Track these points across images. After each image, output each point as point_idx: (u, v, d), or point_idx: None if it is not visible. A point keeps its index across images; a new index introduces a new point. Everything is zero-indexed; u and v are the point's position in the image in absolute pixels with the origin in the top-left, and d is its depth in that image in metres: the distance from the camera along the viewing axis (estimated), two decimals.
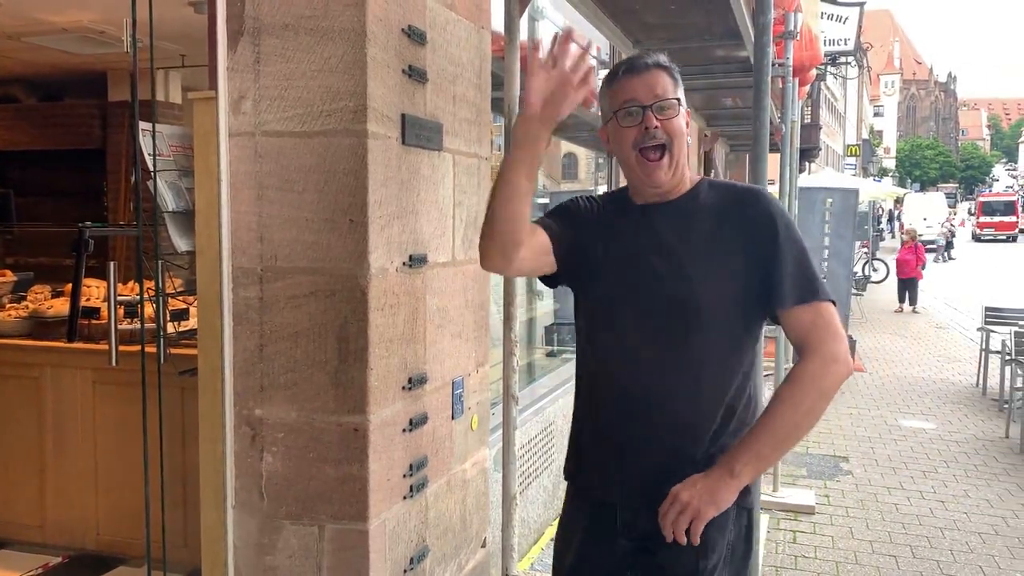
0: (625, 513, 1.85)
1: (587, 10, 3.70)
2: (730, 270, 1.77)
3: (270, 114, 2.50)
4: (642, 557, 1.84)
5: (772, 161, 6.91)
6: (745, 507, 1.84)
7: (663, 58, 1.84)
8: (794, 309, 1.74)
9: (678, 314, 1.76)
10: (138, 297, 3.20)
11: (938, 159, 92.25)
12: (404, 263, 2.67)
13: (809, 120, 24.97)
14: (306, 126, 2.48)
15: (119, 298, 3.40)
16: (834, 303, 1.76)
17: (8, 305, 4.12)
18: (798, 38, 5.05)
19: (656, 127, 1.77)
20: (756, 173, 2.57)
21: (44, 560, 3.58)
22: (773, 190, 6.69)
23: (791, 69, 4.88)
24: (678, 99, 1.80)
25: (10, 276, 4.53)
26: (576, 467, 1.98)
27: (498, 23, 3.36)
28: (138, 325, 3.27)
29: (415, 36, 2.67)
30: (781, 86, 5.11)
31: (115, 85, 6.67)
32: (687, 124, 1.83)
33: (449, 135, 2.95)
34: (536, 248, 1.83)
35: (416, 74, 2.68)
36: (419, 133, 2.70)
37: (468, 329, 3.19)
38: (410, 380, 2.73)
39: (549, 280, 1.98)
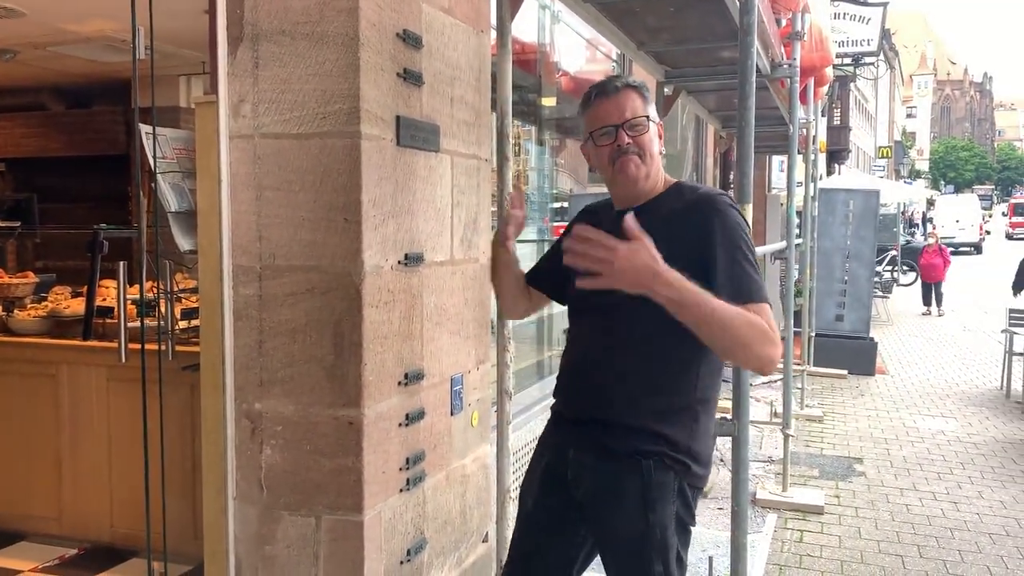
0: (575, 465, 2.09)
1: (588, 14, 3.75)
2: (677, 268, 1.85)
3: (268, 117, 2.58)
4: (592, 513, 2.08)
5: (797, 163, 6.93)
6: (690, 483, 2.03)
7: (632, 79, 2.07)
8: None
9: (631, 304, 1.87)
10: (150, 297, 3.31)
11: (973, 160, 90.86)
12: (400, 261, 2.73)
13: (839, 122, 24.78)
14: (302, 128, 2.55)
15: (132, 298, 3.51)
16: (770, 304, 1.88)
17: (30, 305, 4.25)
18: (805, 39, 5.07)
19: (628, 143, 1.99)
20: (741, 173, 2.61)
21: (60, 552, 3.70)
22: (787, 192, 6.61)
23: (798, 70, 4.89)
24: (647, 116, 2.00)
25: (32, 278, 4.67)
26: (554, 415, 2.29)
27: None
28: (151, 323, 3.37)
29: (410, 40, 2.74)
30: (787, 87, 5.12)
31: (141, 92, 6.83)
32: (660, 137, 2.05)
33: (447, 136, 3.01)
34: (537, 301, 2.39)
35: (411, 77, 2.75)
36: (415, 134, 2.77)
37: (468, 327, 3.25)
38: (406, 376, 2.79)
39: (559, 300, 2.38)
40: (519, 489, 2.36)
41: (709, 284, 1.85)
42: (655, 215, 1.98)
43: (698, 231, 1.91)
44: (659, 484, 1.98)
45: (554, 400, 2.30)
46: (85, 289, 3.89)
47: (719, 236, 1.90)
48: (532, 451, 2.46)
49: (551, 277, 2.27)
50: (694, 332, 1.84)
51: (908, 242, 22.56)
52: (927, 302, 15.75)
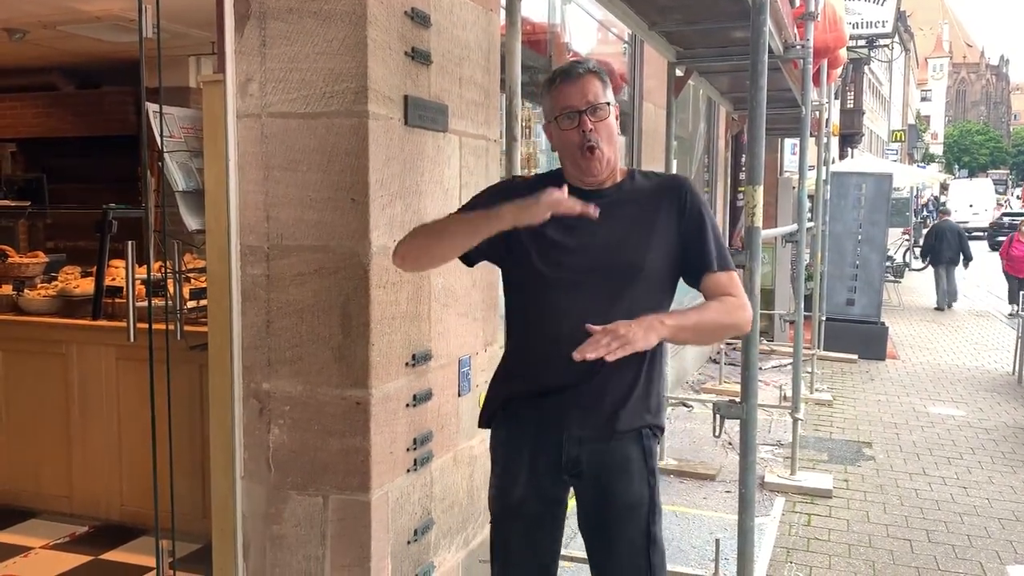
0: (571, 445, 2.10)
1: None
2: (664, 241, 2.11)
3: (275, 96, 2.57)
4: (597, 486, 2.13)
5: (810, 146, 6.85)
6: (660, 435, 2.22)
7: (593, 64, 2.15)
8: (716, 273, 2.13)
9: (619, 275, 2.07)
10: (159, 276, 3.31)
11: (988, 144, 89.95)
12: None
13: (852, 105, 24.59)
14: (309, 107, 2.54)
15: (141, 277, 3.51)
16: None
17: (39, 285, 4.27)
18: (819, 19, 5.02)
19: (591, 129, 2.06)
20: (752, 155, 2.58)
21: (71, 530, 3.73)
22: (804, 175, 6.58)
23: (811, 51, 4.83)
24: (608, 102, 2.10)
25: (43, 257, 4.69)
26: (521, 402, 2.19)
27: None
28: (159, 303, 3.37)
29: (418, 18, 2.71)
30: (800, 68, 5.06)
31: (149, 72, 6.83)
32: (617, 119, 2.15)
33: (455, 116, 2.99)
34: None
35: (419, 56, 2.73)
36: (423, 114, 2.75)
37: (476, 308, 3.24)
38: (414, 357, 2.79)
39: (465, 261, 2.28)
40: (495, 488, 2.24)
41: (701, 253, 2.11)
42: (625, 198, 2.14)
43: (679, 207, 2.12)
44: (653, 451, 2.17)
45: (519, 383, 2.20)
46: (94, 269, 3.90)
47: (703, 214, 2.14)
48: None
49: (495, 243, 2.19)
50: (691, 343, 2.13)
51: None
52: (1015, 300, 12.43)
